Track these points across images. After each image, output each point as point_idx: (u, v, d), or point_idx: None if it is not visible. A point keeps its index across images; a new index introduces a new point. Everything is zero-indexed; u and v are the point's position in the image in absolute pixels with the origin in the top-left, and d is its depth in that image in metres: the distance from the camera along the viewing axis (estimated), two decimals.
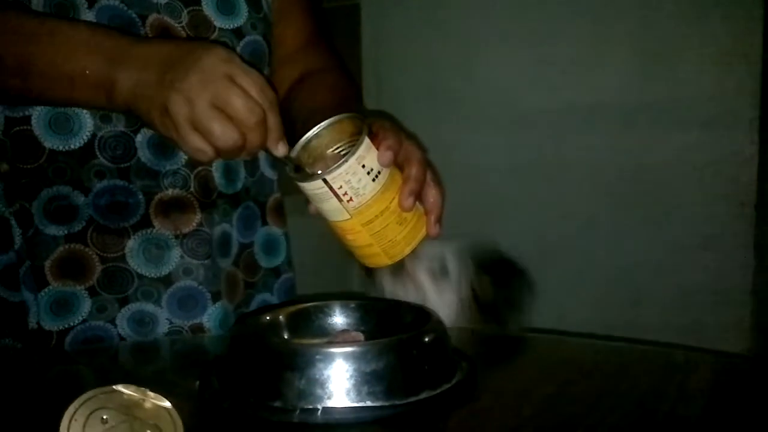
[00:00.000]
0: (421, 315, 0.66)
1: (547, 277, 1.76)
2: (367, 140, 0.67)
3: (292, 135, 0.75)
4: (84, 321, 0.80)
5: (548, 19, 1.72)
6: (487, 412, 0.59)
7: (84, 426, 0.48)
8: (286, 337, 0.67)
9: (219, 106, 0.65)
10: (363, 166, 0.66)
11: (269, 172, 0.96)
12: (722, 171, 1.59)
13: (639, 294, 1.67)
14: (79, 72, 0.70)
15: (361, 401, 0.56)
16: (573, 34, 1.70)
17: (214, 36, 0.86)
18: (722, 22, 1.57)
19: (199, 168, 0.85)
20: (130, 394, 0.50)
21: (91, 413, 0.48)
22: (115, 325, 0.82)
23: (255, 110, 0.66)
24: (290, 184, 1.02)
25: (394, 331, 0.63)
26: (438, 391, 0.59)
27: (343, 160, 0.65)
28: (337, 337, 0.65)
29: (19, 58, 0.71)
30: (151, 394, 0.51)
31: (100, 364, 0.79)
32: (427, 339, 0.60)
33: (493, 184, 1.79)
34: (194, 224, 0.85)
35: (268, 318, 0.68)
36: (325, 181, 0.65)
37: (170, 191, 0.83)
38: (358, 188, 0.66)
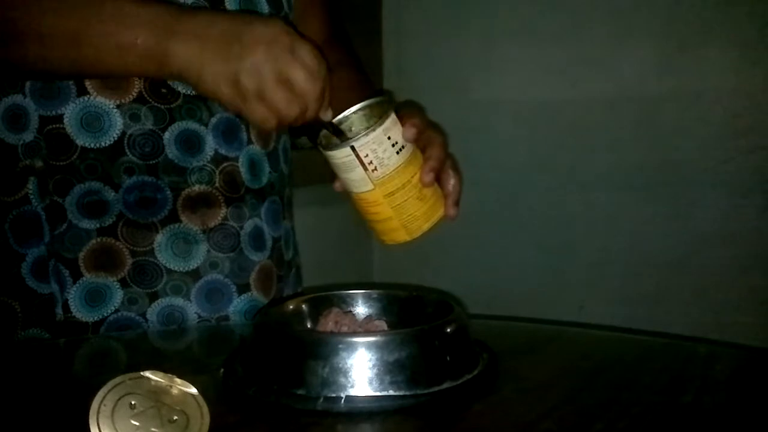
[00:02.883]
0: (443, 306, 0.66)
1: (567, 270, 1.76)
2: (393, 115, 0.72)
3: (313, 133, 0.76)
4: (116, 311, 0.82)
5: (569, 11, 1.71)
6: (509, 404, 0.59)
7: (113, 411, 0.48)
8: (309, 325, 0.68)
9: (284, 80, 0.70)
10: (389, 138, 0.71)
11: (285, 168, 0.98)
12: (747, 164, 1.57)
13: (660, 288, 1.66)
14: (129, 43, 0.72)
15: (383, 390, 0.57)
16: (595, 26, 1.69)
17: None
18: (747, 12, 1.55)
19: (225, 164, 0.87)
20: (158, 381, 0.51)
21: (119, 399, 0.49)
22: (146, 320, 0.83)
23: (316, 84, 0.72)
24: (301, 178, 1.03)
25: (415, 322, 0.64)
26: (460, 381, 0.60)
27: (370, 129, 0.70)
28: (361, 326, 0.66)
29: (70, 32, 0.73)
30: (178, 380, 0.52)
31: (130, 347, 0.81)
32: (449, 330, 0.61)
33: (514, 177, 1.79)
34: (220, 218, 0.87)
35: (291, 307, 0.68)
36: (353, 148, 0.70)
37: (197, 187, 0.85)
38: (382, 158, 0.71)
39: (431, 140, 0.77)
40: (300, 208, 1.03)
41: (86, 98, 0.81)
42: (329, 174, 0.77)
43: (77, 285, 0.81)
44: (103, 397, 0.49)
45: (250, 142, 0.89)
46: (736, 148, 1.58)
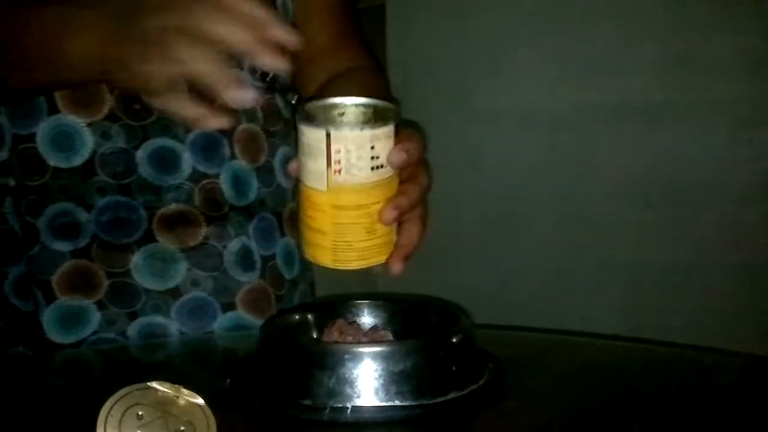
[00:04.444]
0: (449, 316, 0.66)
1: (572, 278, 1.76)
2: (391, 128, 0.61)
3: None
4: (94, 333, 0.81)
5: (574, 19, 1.71)
6: (514, 413, 0.59)
7: (120, 422, 0.49)
8: (315, 335, 0.68)
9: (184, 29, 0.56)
10: (372, 148, 0.60)
11: (284, 182, 0.94)
12: (752, 171, 1.57)
13: (665, 297, 1.66)
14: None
15: (389, 401, 0.57)
16: (599, 33, 1.69)
17: None
18: (751, 21, 1.55)
19: (204, 182, 0.84)
20: (165, 391, 0.51)
21: (126, 409, 0.49)
22: (126, 338, 0.82)
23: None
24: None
25: (421, 331, 0.64)
26: (465, 391, 0.60)
27: (357, 125, 0.60)
28: (367, 336, 0.66)
29: None
30: (185, 391, 0.52)
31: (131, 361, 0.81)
32: (454, 339, 0.61)
33: (519, 183, 1.79)
34: (200, 238, 0.84)
35: (297, 317, 0.69)
36: (328, 135, 0.59)
37: (173, 206, 0.83)
38: (352, 164, 0.59)
39: (414, 177, 0.65)
40: None
41: (57, 117, 0.79)
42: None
43: (51, 307, 0.80)
44: (111, 408, 0.49)
45: (233, 157, 0.86)
46: (740, 156, 1.58)
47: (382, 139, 0.60)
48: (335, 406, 0.56)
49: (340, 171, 0.59)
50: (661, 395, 0.63)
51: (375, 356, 0.57)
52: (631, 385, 0.66)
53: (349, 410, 0.56)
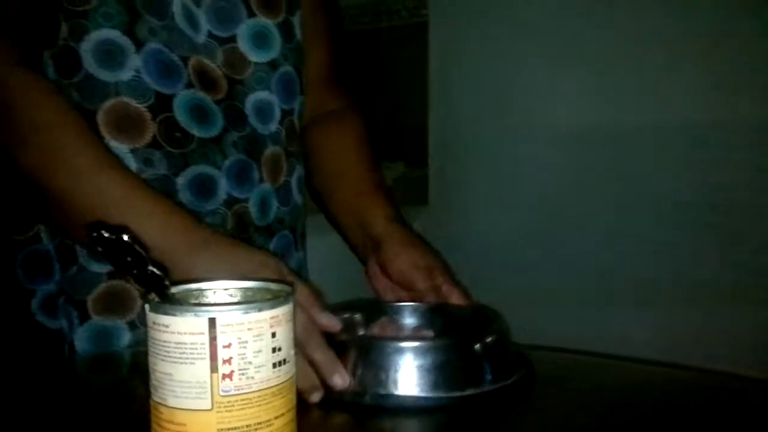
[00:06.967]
0: (485, 319, 0.72)
1: (610, 300, 1.75)
2: (291, 308, 0.46)
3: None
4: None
5: (617, 40, 1.70)
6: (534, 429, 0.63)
7: None
8: (362, 331, 0.75)
9: None
10: (273, 336, 0.44)
11: (299, 200, 0.97)
12: None
13: (709, 320, 1.63)
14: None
15: (425, 392, 0.63)
16: (642, 55, 1.68)
17: (250, 71, 0.88)
18: None
19: (236, 206, 0.86)
20: None
21: None
22: None
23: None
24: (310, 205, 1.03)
25: (459, 332, 0.70)
26: (496, 386, 0.65)
27: (253, 307, 0.44)
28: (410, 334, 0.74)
29: (58, 192, 0.72)
30: None
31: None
32: (488, 339, 0.67)
33: (558, 202, 1.78)
34: None
35: (346, 315, 0.74)
36: (212, 323, 0.42)
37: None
38: (251, 363, 0.43)
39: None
40: (326, 233, 1.00)
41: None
42: None
43: (84, 326, 0.80)
44: None
45: (261, 180, 0.89)
46: None
47: (283, 324, 0.45)
48: (377, 393, 0.63)
49: (231, 375, 0.43)
50: (680, 422, 0.63)
51: (415, 351, 0.64)
52: (650, 409, 0.67)
53: (389, 398, 0.62)
